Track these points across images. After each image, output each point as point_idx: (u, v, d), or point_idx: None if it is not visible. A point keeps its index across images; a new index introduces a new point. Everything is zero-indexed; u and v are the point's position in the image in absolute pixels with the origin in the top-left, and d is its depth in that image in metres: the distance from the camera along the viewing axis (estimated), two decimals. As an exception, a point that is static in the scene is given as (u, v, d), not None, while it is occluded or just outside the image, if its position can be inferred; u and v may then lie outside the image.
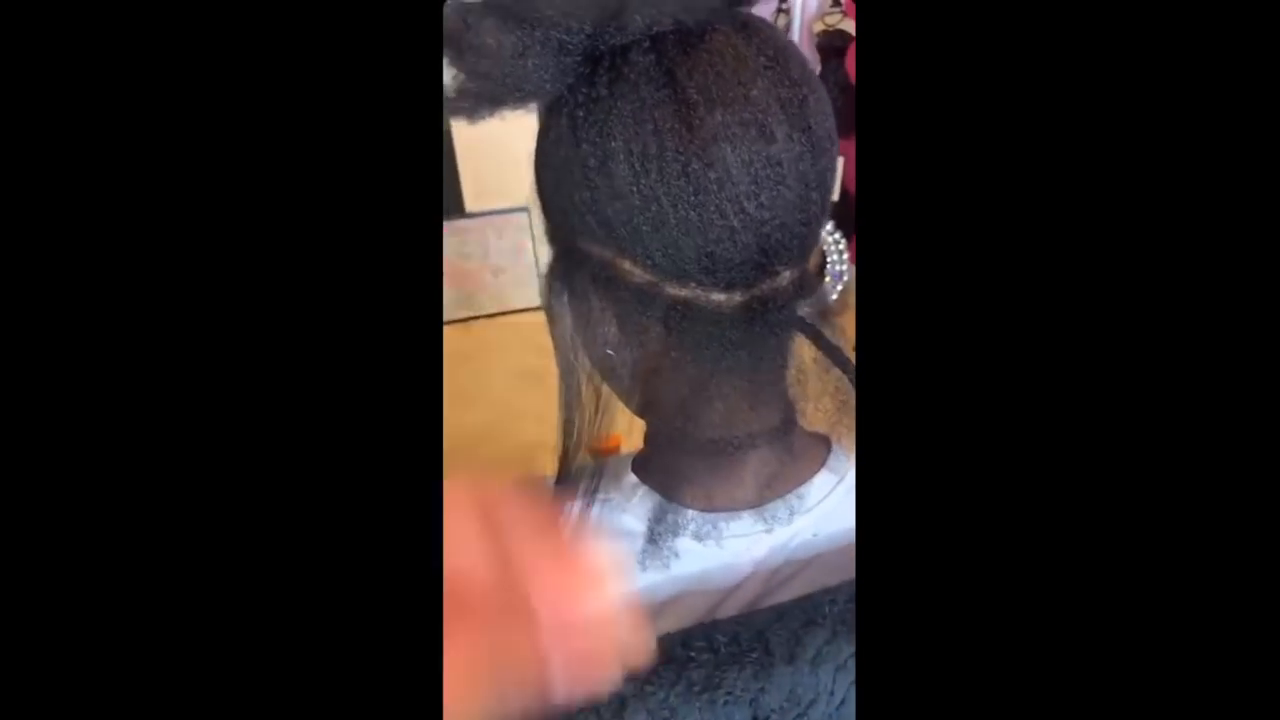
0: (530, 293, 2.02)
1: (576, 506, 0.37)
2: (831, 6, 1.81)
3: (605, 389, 0.36)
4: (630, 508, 0.36)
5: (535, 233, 1.93)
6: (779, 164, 0.29)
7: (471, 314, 1.98)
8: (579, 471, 0.36)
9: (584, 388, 0.36)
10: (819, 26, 1.82)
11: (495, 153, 1.73)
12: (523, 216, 1.90)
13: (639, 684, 0.31)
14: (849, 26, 1.79)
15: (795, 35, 1.94)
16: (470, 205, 1.93)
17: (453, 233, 1.93)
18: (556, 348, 0.36)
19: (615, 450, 0.41)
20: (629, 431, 0.40)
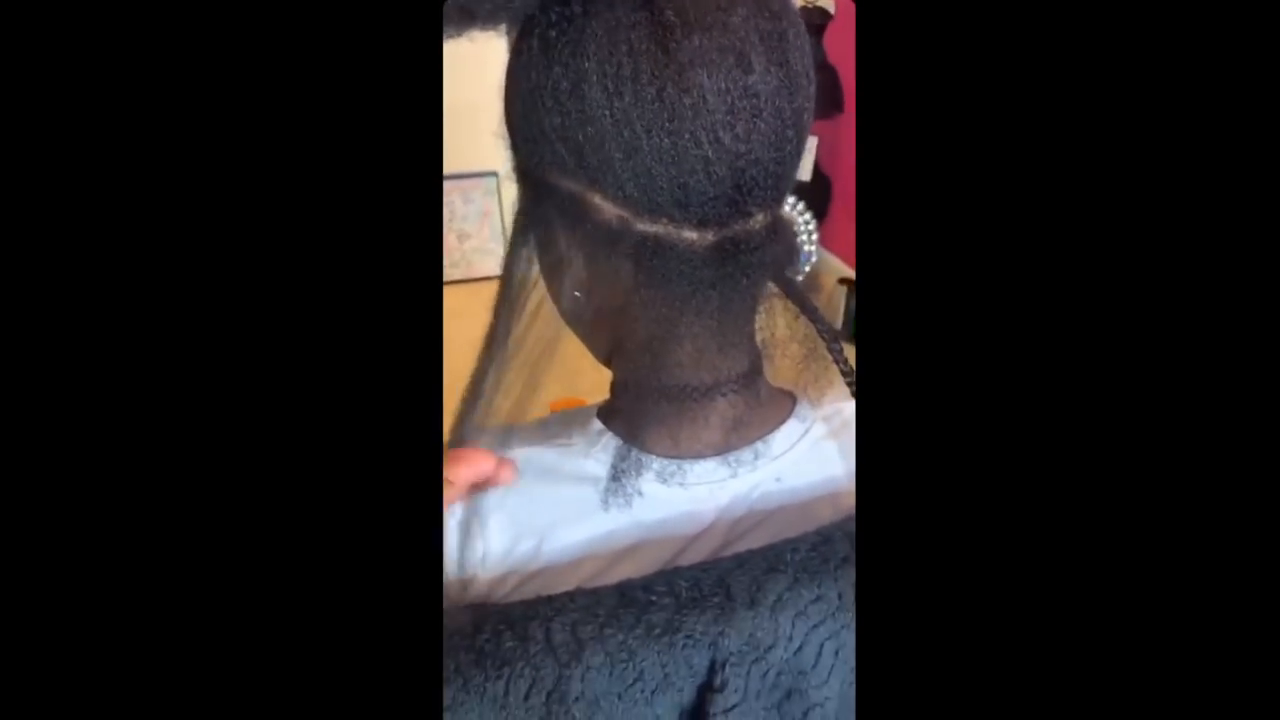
0: (496, 261, 1.98)
1: (526, 453, 0.36)
2: (811, -18, 1.80)
3: (531, 341, 0.35)
4: (594, 453, 0.36)
5: (503, 199, 1.89)
6: (756, 95, 0.28)
7: (435, 280, 1.93)
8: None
9: (509, 335, 0.34)
10: (799, 3, 1.81)
11: (463, 114, 1.67)
12: (490, 181, 1.86)
13: (598, 626, 0.30)
14: (828, 4, 1.78)
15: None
16: (436, 168, 1.87)
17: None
18: (502, 287, 0.35)
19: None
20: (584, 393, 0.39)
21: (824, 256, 1.89)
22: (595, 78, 0.27)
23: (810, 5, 1.78)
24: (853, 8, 1.75)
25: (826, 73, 1.80)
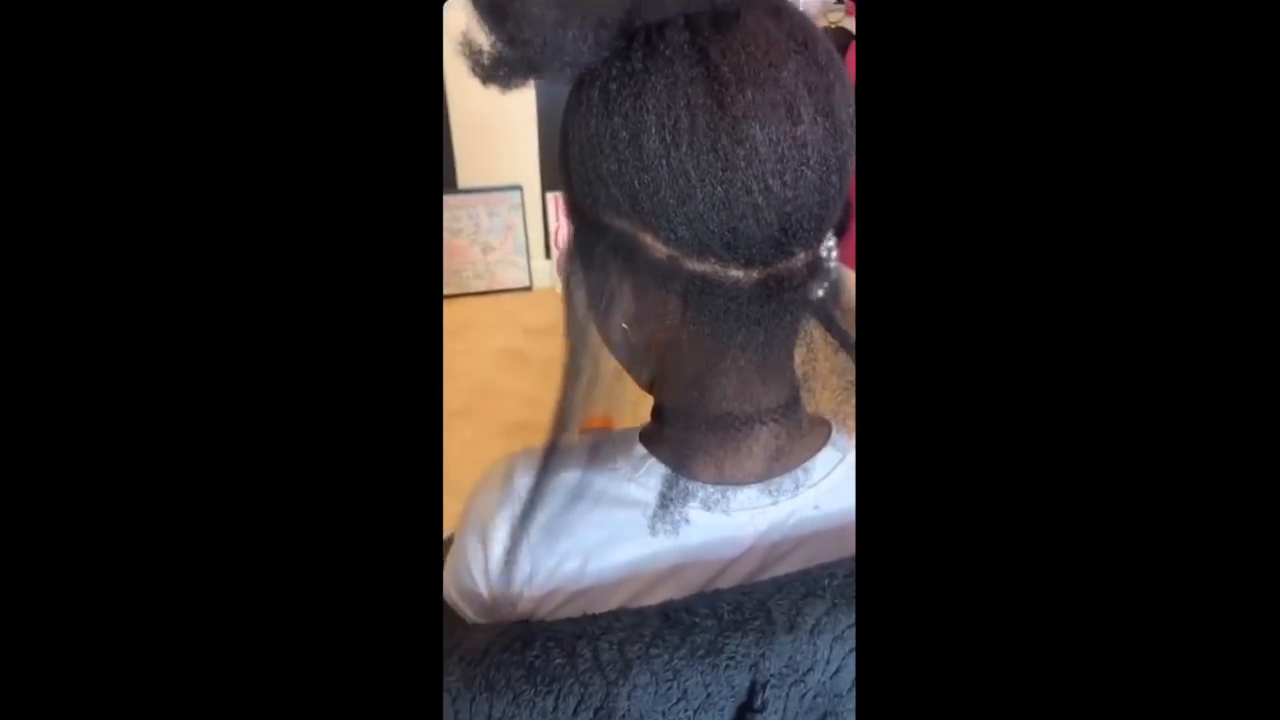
0: (518, 273, 2.01)
1: (572, 475, 0.38)
2: (835, 4, 1.82)
3: (605, 366, 0.37)
4: (638, 478, 0.37)
5: (527, 212, 1.92)
6: (804, 145, 0.30)
7: (458, 291, 1.96)
8: (567, 445, 0.37)
9: (585, 364, 0.36)
10: (821, 23, 1.83)
11: (491, 129, 1.71)
12: (515, 195, 1.88)
13: (644, 645, 0.32)
14: (851, 25, 1.80)
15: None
16: (462, 180, 1.90)
17: (443, 207, 1.91)
18: (568, 322, 0.37)
19: (607, 427, 0.42)
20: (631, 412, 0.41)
21: (844, 274, 1.89)
22: (654, 129, 0.29)
23: (834, 26, 1.80)
24: (876, 28, 1.77)
25: (849, 92, 1.82)
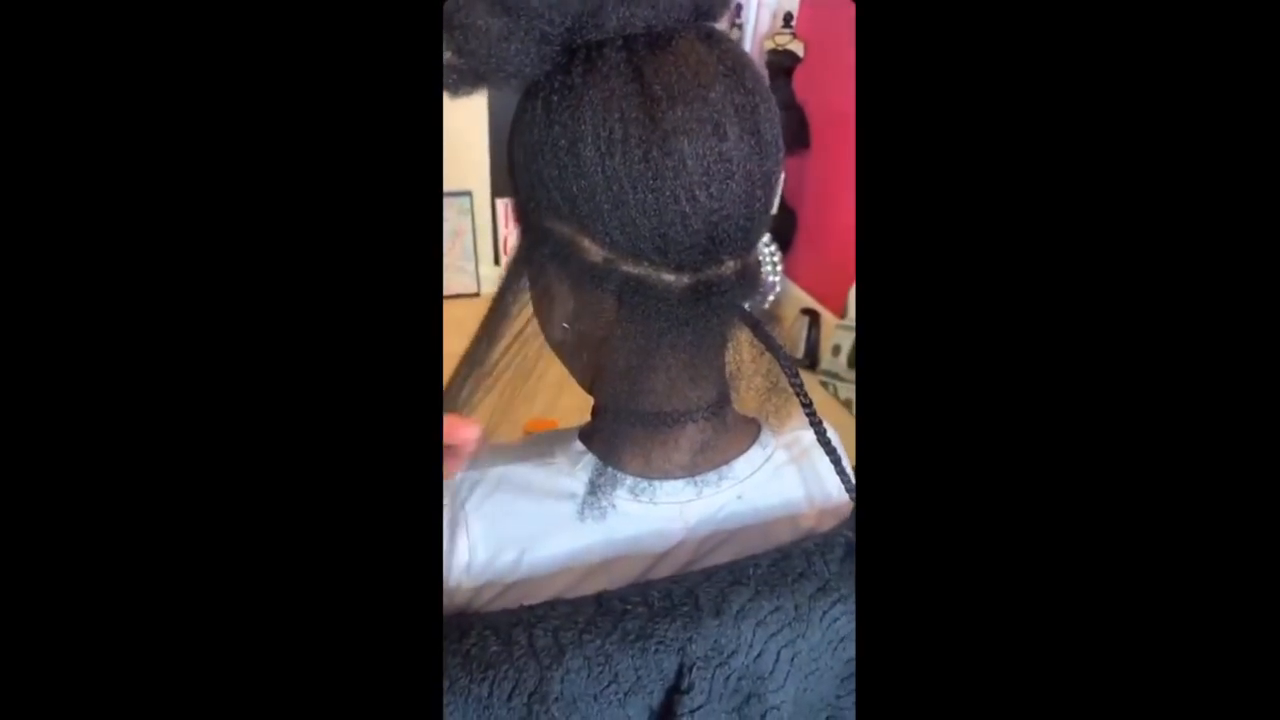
0: (466, 279, 1.99)
1: (507, 468, 0.39)
2: (782, 27, 1.89)
3: (499, 365, 0.38)
4: (574, 472, 0.38)
5: (476, 218, 1.91)
6: (729, 160, 0.32)
7: (405, 296, 1.94)
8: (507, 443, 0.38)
9: (481, 355, 0.37)
10: (769, 44, 1.89)
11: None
12: (464, 200, 1.87)
13: (578, 632, 0.33)
14: (797, 48, 1.86)
15: (746, 49, 2.00)
16: (411, 185, 1.89)
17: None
18: (489, 314, 0.38)
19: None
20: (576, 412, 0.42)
21: (787, 287, 1.95)
22: (590, 139, 0.31)
23: (780, 49, 1.86)
24: (819, 51, 1.84)
25: (795, 111, 1.88)
